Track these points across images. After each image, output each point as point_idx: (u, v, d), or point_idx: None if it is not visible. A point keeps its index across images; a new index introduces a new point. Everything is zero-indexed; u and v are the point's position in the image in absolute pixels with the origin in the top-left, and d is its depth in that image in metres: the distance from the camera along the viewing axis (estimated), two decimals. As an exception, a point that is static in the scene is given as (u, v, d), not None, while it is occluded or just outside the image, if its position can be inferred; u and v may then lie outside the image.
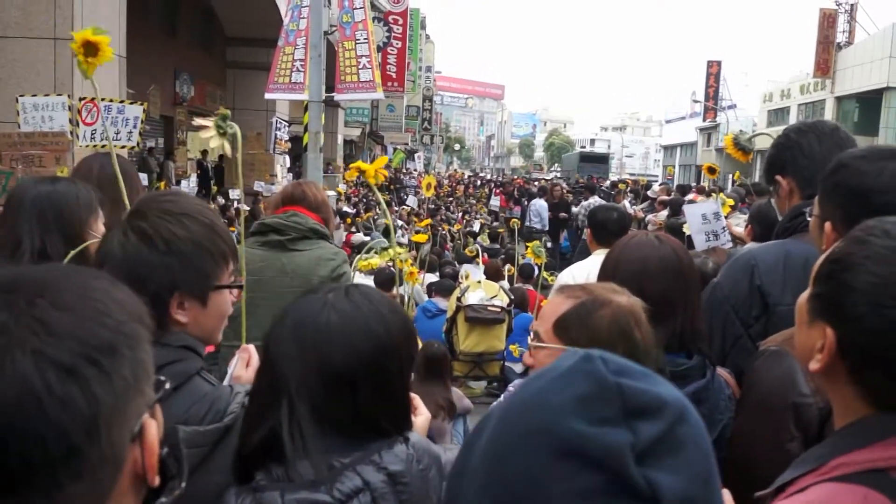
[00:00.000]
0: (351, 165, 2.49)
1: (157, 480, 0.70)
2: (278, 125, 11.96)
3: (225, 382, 1.51)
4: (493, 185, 24.33)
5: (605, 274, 1.62)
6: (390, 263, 6.61)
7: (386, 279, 5.72)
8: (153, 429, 0.70)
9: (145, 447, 0.69)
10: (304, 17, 6.97)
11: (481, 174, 42.71)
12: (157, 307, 1.22)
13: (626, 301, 1.35)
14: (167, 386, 0.77)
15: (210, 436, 1.18)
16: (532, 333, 1.43)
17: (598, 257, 3.03)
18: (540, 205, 13.69)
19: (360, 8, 6.99)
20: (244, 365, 1.51)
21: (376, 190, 2.40)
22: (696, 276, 1.63)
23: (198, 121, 1.73)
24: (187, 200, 1.37)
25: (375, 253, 2.74)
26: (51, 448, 0.60)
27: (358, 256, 3.31)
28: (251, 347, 1.52)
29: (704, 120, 44.85)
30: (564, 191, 14.81)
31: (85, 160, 2.43)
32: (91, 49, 1.81)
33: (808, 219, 1.71)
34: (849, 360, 0.95)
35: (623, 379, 0.60)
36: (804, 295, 1.05)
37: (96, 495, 0.65)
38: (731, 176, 24.50)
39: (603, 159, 36.63)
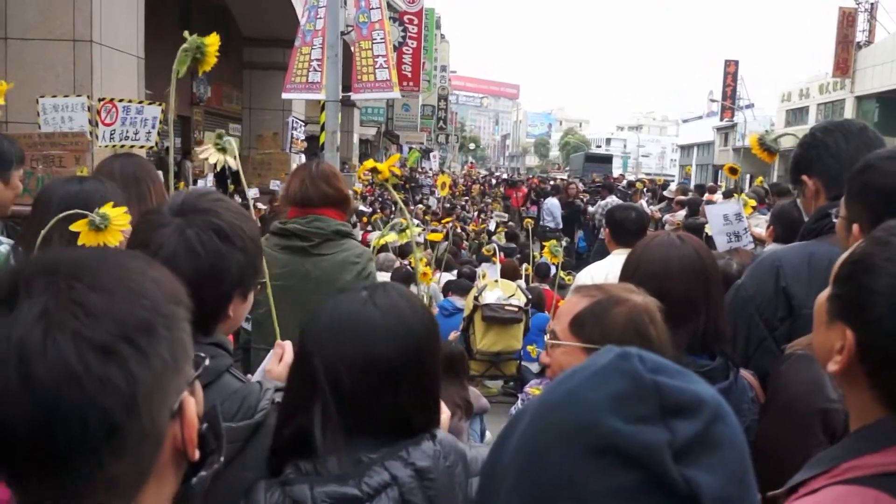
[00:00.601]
0: (364, 164, 2.47)
1: (196, 454, 0.72)
2: (294, 125, 12.00)
3: (256, 376, 1.53)
4: (506, 184, 24.14)
5: (627, 274, 1.61)
6: (406, 263, 6.62)
7: (402, 277, 5.72)
8: (192, 405, 0.71)
9: (184, 423, 0.71)
10: (320, 18, 6.99)
11: (496, 173, 42.59)
12: (224, 303, 1.26)
13: (642, 300, 1.36)
14: (206, 363, 0.79)
15: (241, 432, 1.18)
16: (549, 332, 1.44)
17: (616, 257, 3.01)
18: (552, 203, 13.67)
19: (377, 8, 7.00)
20: (277, 360, 1.53)
21: (391, 189, 2.38)
22: (719, 276, 1.61)
23: (196, 150, 1.83)
24: (230, 199, 1.40)
25: (391, 229, 2.70)
26: (92, 427, 0.62)
27: (374, 235, 3.29)
28: (287, 344, 1.53)
29: (722, 119, 44.49)
30: (579, 190, 14.76)
31: (105, 161, 2.45)
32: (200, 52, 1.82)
33: (835, 220, 1.68)
34: (867, 363, 0.95)
35: (660, 377, 0.59)
36: (823, 295, 1.04)
37: (138, 471, 0.67)
38: (748, 176, 24.27)
39: (607, 160, 38.52)
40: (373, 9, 6.99)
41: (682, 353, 1.47)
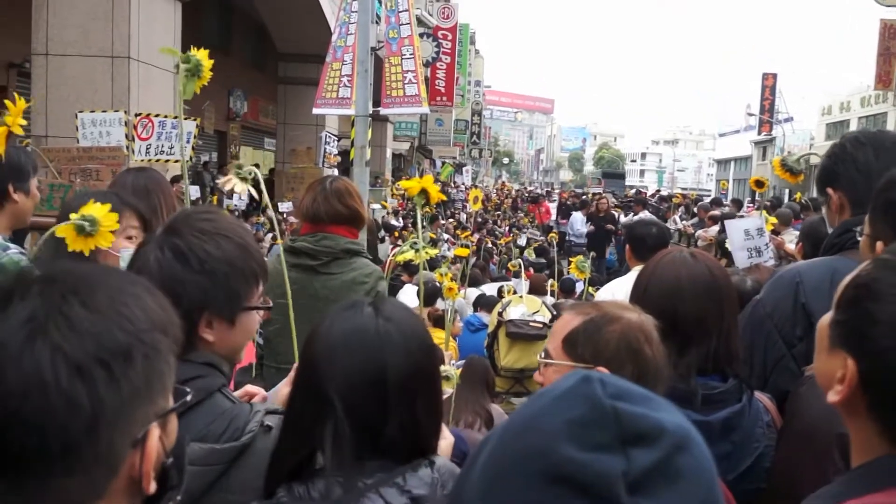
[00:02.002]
0: (401, 184, 2.44)
1: (152, 488, 0.71)
2: (327, 139, 12.14)
3: (269, 399, 1.52)
4: (529, 200, 23.82)
5: (637, 292, 1.57)
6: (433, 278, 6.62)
7: (429, 292, 5.71)
8: (155, 438, 0.71)
9: (144, 455, 0.70)
10: (351, 34, 7.05)
11: (530, 188, 42.50)
12: (186, 325, 1.24)
13: (637, 318, 1.31)
14: (188, 398, 0.77)
15: (226, 454, 1.17)
16: (543, 351, 1.40)
17: (636, 273, 2.95)
18: (576, 218, 13.71)
19: (407, 24, 7.05)
20: (288, 383, 1.50)
21: (419, 210, 2.34)
22: (733, 295, 1.56)
23: (221, 180, 1.90)
24: (223, 219, 1.38)
25: (410, 247, 2.68)
26: (48, 440, 0.62)
27: (396, 250, 3.28)
28: None
29: (759, 133, 43.78)
30: (610, 205, 14.61)
31: (120, 174, 2.51)
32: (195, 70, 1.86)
33: (859, 238, 1.62)
34: (869, 395, 0.89)
35: (620, 403, 0.57)
36: (825, 319, 0.98)
37: (89, 492, 0.67)
38: (787, 191, 23.80)
39: (621, 176, 44.70)
40: (402, 24, 7.05)
41: (693, 374, 1.43)
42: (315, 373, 1.14)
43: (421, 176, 2.37)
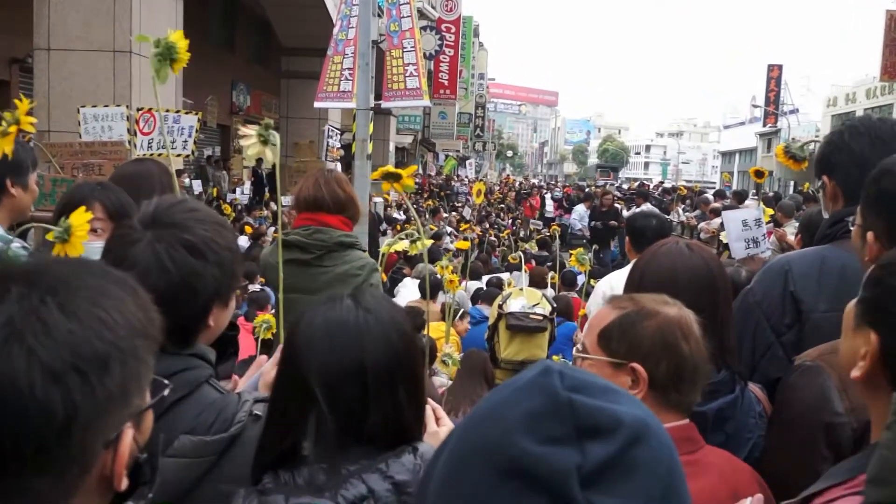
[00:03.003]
0: (381, 170, 2.44)
1: (123, 485, 0.72)
2: (330, 133, 12.14)
3: (249, 386, 1.53)
4: (519, 196, 23.66)
5: (632, 283, 1.58)
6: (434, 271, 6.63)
7: (431, 285, 5.71)
8: (128, 438, 0.71)
9: (116, 455, 0.70)
10: (352, 27, 7.05)
11: (533, 180, 42.44)
12: (202, 315, 1.26)
13: (676, 313, 1.28)
14: (165, 393, 0.78)
15: (216, 445, 1.17)
16: (579, 344, 1.38)
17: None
18: (576, 211, 13.75)
19: (408, 17, 7.05)
20: (274, 364, 1.50)
21: (408, 202, 2.37)
22: (728, 287, 1.55)
23: (242, 130, 1.79)
24: (205, 207, 1.39)
25: (402, 238, 2.70)
26: (21, 443, 0.63)
27: (386, 242, 3.32)
28: None
29: (765, 125, 43.54)
30: (615, 198, 14.58)
31: (145, 164, 2.43)
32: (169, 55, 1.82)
33: (851, 228, 1.63)
34: (890, 370, 0.91)
35: (577, 395, 0.56)
36: (853, 301, 1.01)
37: (60, 491, 0.68)
38: (792, 182, 23.70)
39: (615, 169, 49.09)
40: (403, 17, 7.05)
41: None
42: (297, 365, 1.15)
43: (424, 169, 2.40)
